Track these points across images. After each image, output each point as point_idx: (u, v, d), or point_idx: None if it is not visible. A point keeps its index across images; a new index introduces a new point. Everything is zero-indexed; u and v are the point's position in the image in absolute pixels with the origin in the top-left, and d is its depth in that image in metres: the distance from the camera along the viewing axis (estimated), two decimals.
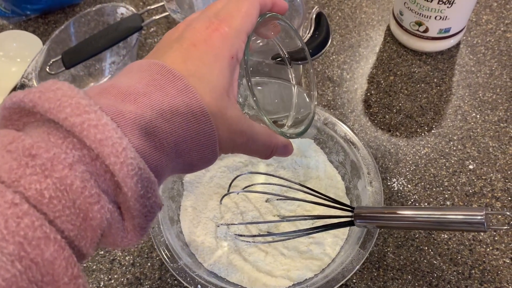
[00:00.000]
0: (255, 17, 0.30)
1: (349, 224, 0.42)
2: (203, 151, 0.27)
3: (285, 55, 0.39)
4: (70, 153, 0.22)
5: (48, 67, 0.56)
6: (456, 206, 0.51)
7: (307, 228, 0.44)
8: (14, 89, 0.60)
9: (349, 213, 0.42)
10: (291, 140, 0.35)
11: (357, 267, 0.41)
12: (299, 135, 0.35)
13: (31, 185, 0.21)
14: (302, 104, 0.39)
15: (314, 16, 0.51)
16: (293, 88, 0.40)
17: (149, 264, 0.50)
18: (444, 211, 0.37)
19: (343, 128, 0.49)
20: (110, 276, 0.49)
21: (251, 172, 0.51)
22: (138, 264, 0.50)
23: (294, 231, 0.44)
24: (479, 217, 0.35)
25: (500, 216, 0.50)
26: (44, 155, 0.22)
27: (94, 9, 0.61)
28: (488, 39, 0.64)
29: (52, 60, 0.56)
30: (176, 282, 0.48)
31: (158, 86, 0.26)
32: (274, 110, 0.39)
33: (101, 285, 0.49)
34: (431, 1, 0.55)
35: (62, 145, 0.23)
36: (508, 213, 0.36)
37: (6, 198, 0.20)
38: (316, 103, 0.39)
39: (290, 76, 0.40)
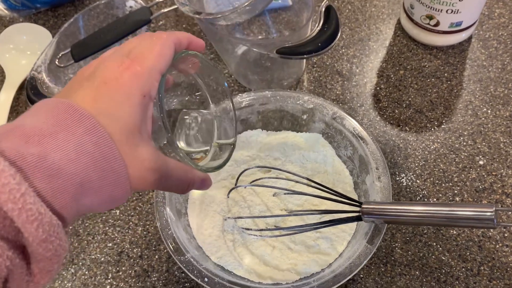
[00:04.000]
0: (169, 56, 0.31)
1: (357, 219, 0.41)
2: (113, 190, 0.27)
3: (205, 90, 0.40)
4: None
5: (57, 60, 0.56)
6: (466, 202, 0.50)
7: (314, 223, 0.44)
8: (24, 81, 0.61)
9: (357, 208, 0.41)
10: None
11: (365, 262, 0.41)
12: (217, 169, 0.35)
13: None
14: (224, 135, 0.40)
15: (323, 9, 0.51)
16: (214, 120, 0.40)
17: (156, 256, 0.50)
18: (453, 207, 0.37)
19: (351, 122, 0.49)
20: (118, 268, 0.50)
21: (259, 166, 0.50)
22: (146, 257, 0.50)
23: (301, 226, 0.44)
24: (489, 214, 0.35)
25: (510, 213, 0.49)
26: None
27: (103, 2, 0.61)
28: (500, 33, 0.63)
29: (62, 53, 0.56)
30: (183, 274, 0.49)
31: (65, 125, 0.26)
32: (195, 142, 0.40)
33: (109, 277, 0.49)
34: None
35: None
36: None
37: None
38: (236, 138, 0.40)
39: (212, 109, 0.41)
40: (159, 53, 0.30)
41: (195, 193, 0.49)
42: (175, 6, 0.55)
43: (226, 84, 0.39)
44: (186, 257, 0.42)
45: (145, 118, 0.29)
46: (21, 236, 0.23)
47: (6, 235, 0.23)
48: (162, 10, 0.56)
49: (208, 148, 0.39)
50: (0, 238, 0.23)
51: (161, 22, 0.69)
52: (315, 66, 0.63)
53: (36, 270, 0.24)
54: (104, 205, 0.28)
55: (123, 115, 0.28)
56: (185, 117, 0.41)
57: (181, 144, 0.38)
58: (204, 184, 0.35)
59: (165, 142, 0.32)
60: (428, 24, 0.59)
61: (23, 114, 0.27)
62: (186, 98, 0.45)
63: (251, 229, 0.46)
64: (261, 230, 0.47)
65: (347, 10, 0.67)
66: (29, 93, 0.52)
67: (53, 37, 0.61)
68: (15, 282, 0.24)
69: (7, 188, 0.22)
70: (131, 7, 0.61)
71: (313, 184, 0.44)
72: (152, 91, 0.29)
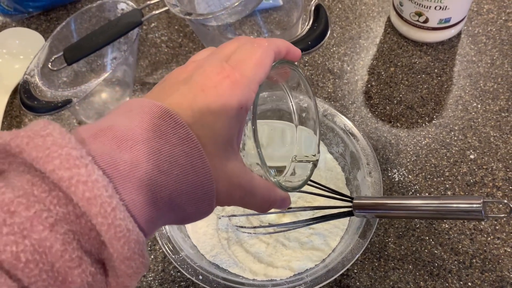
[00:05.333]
0: (269, 66, 0.29)
1: (349, 214, 0.42)
2: (199, 205, 0.26)
3: (291, 102, 0.38)
4: (54, 210, 0.21)
5: (50, 64, 0.56)
6: (455, 195, 0.51)
7: (307, 219, 0.44)
8: (17, 86, 0.61)
9: (349, 204, 0.42)
10: None
11: (357, 256, 0.41)
12: (298, 188, 0.34)
13: (6, 246, 0.19)
14: (305, 150, 0.38)
15: (313, 8, 0.52)
16: (296, 134, 0.38)
17: (152, 256, 0.50)
18: (442, 200, 0.37)
19: (342, 119, 0.49)
20: None
21: None
22: None
23: (295, 222, 0.45)
24: (477, 205, 0.35)
25: (501, 205, 0.50)
26: (23, 213, 0.20)
27: (95, 5, 0.62)
28: (489, 29, 0.63)
29: (54, 56, 0.57)
30: (179, 273, 0.49)
31: (159, 132, 0.24)
32: (275, 156, 0.38)
33: None
34: None
35: (46, 199, 0.21)
36: (506, 201, 0.36)
37: None
38: (319, 155, 0.38)
39: (294, 120, 0.39)
40: (260, 62, 0.28)
41: None
42: (166, 8, 0.55)
43: (314, 97, 0.37)
44: (180, 255, 0.42)
45: (238, 131, 0.28)
46: (104, 249, 0.22)
47: (89, 248, 0.22)
48: (154, 12, 0.57)
49: (286, 163, 0.37)
50: (85, 251, 0.22)
51: (153, 24, 0.69)
52: (306, 64, 0.63)
53: (113, 283, 0.23)
54: (188, 220, 0.27)
55: (218, 127, 0.26)
56: (268, 128, 0.39)
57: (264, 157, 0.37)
58: (284, 203, 0.33)
59: (252, 155, 0.30)
60: (418, 21, 0.60)
61: (113, 110, 0.26)
62: (270, 107, 0.44)
63: (245, 227, 0.47)
64: (255, 227, 0.47)
65: (337, 9, 0.68)
66: (23, 97, 0.52)
67: (45, 41, 0.61)
68: None
69: (99, 201, 0.21)
70: (122, 9, 0.61)
71: None
72: (249, 102, 0.27)
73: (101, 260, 0.23)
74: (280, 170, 0.36)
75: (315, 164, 0.37)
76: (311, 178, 0.44)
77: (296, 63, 0.34)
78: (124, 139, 0.23)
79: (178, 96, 0.26)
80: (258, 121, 0.29)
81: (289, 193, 0.43)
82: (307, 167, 0.37)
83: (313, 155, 0.37)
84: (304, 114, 0.39)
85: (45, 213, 0.21)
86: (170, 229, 0.44)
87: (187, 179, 0.25)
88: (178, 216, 0.26)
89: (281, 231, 0.46)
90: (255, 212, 0.48)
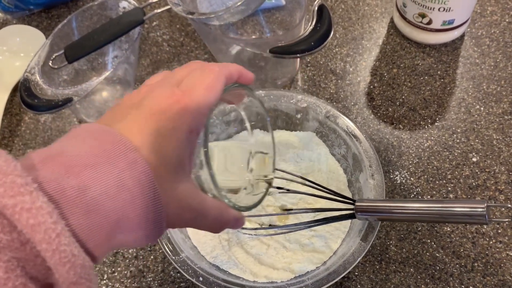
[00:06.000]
0: (219, 90, 0.30)
1: (351, 217, 0.42)
2: (149, 228, 0.26)
3: (247, 123, 0.39)
4: None
5: (51, 62, 0.56)
6: (458, 198, 0.51)
7: (308, 221, 0.44)
8: (18, 83, 0.60)
9: (351, 206, 0.42)
10: None
11: (359, 259, 0.41)
12: (251, 208, 0.35)
13: None
14: (261, 170, 0.39)
15: (316, 8, 0.51)
16: (251, 154, 0.39)
17: (152, 257, 0.50)
18: (445, 204, 0.37)
19: (345, 121, 0.49)
20: (113, 269, 0.50)
21: None
22: (141, 257, 0.50)
23: (296, 224, 0.44)
24: (480, 210, 0.35)
25: (503, 209, 0.50)
26: None
27: (96, 3, 0.61)
28: (493, 31, 0.63)
29: (55, 54, 0.56)
30: (178, 274, 0.49)
31: (107, 157, 0.25)
32: (230, 176, 0.38)
33: (104, 278, 0.49)
34: None
35: None
36: (510, 205, 0.36)
37: None
38: (274, 174, 0.38)
39: (250, 140, 0.40)
40: (211, 86, 0.29)
41: None
42: (168, 7, 0.55)
43: (268, 118, 0.38)
44: (181, 257, 0.42)
45: (189, 154, 0.28)
46: (51, 274, 0.23)
47: (35, 274, 0.22)
48: (155, 11, 0.56)
49: (241, 182, 0.37)
50: (30, 277, 0.22)
51: (155, 23, 0.69)
52: (309, 65, 0.63)
53: None
54: (137, 243, 0.27)
55: (168, 151, 0.27)
56: (223, 148, 0.39)
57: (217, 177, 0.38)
58: (237, 223, 0.33)
59: (204, 177, 0.30)
60: (421, 22, 0.59)
61: (63, 137, 0.26)
62: (225, 128, 0.44)
63: (246, 228, 0.46)
64: (256, 229, 0.47)
65: (340, 9, 0.68)
66: (23, 95, 0.52)
67: (46, 38, 0.61)
68: None
69: (43, 227, 0.21)
70: (124, 8, 0.61)
71: (307, 182, 0.44)
72: (199, 126, 0.28)
73: (50, 284, 0.23)
74: (235, 190, 0.37)
75: (270, 183, 0.38)
76: (313, 180, 0.43)
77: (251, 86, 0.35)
78: (73, 165, 0.24)
79: (129, 121, 0.27)
80: (213, 142, 0.29)
81: (283, 193, 0.43)
82: (262, 186, 0.38)
83: (268, 175, 0.38)
84: (261, 136, 0.40)
85: None
86: (170, 230, 0.44)
87: (135, 203, 0.25)
88: (128, 239, 0.26)
89: (282, 233, 0.46)
90: (255, 213, 0.48)
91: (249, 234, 0.47)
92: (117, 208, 0.24)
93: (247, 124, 0.39)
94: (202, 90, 0.28)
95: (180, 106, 0.27)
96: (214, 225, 0.31)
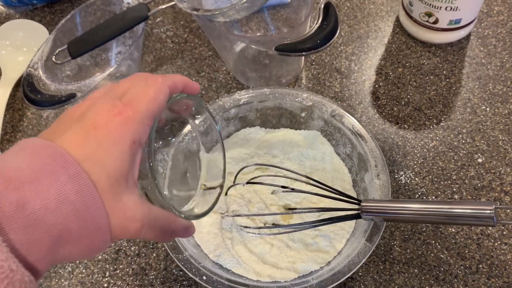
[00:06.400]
0: (163, 101, 0.30)
1: (356, 217, 0.41)
2: (92, 240, 0.27)
3: (197, 133, 0.40)
4: None
5: (54, 57, 0.55)
6: (465, 200, 0.50)
7: (313, 221, 0.43)
8: (21, 78, 0.60)
9: (356, 206, 0.41)
10: None
11: (364, 260, 0.41)
12: (200, 217, 0.34)
13: None
14: (212, 177, 0.39)
15: (322, 6, 0.51)
16: (201, 162, 0.40)
17: (154, 254, 0.50)
18: (452, 205, 0.37)
19: (350, 120, 0.48)
20: (115, 266, 0.49)
21: (257, 164, 0.50)
22: (143, 255, 0.50)
23: (300, 224, 0.44)
24: (488, 212, 0.35)
25: (509, 211, 0.49)
26: None
27: None
28: (499, 31, 0.63)
29: (58, 49, 0.56)
30: (181, 272, 0.48)
31: (48, 171, 0.25)
32: (181, 184, 0.38)
33: (106, 275, 0.49)
34: None
35: None
36: None
37: None
38: (224, 180, 0.39)
39: (200, 148, 0.40)
40: (153, 97, 0.29)
41: None
42: (173, 3, 0.54)
43: (218, 127, 0.39)
44: (184, 255, 0.42)
45: (132, 165, 0.28)
46: None
47: None
48: (160, 7, 0.56)
49: (193, 191, 0.38)
50: None
51: (159, 19, 0.68)
52: (313, 63, 0.62)
53: None
54: (82, 255, 0.27)
55: (110, 163, 0.27)
56: (171, 157, 0.39)
57: (166, 187, 0.37)
58: (187, 232, 0.34)
59: (150, 187, 0.31)
60: (427, 21, 0.59)
61: (7, 151, 0.27)
62: (173, 138, 0.45)
63: (249, 227, 0.46)
64: (260, 228, 0.46)
65: (345, 7, 0.67)
66: (26, 90, 0.51)
67: (49, 33, 0.60)
68: None
69: None
70: (128, 3, 0.60)
71: (311, 181, 0.43)
72: (142, 137, 0.28)
73: None
74: (186, 198, 0.37)
75: (221, 188, 0.38)
76: (318, 179, 0.43)
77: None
78: (12, 180, 0.24)
79: (70, 134, 0.27)
80: (165, 150, 0.30)
81: (287, 192, 0.43)
82: (214, 192, 0.38)
83: (220, 181, 0.39)
84: (209, 140, 0.40)
85: None
86: None
87: (77, 215, 0.25)
88: (72, 252, 0.26)
89: (286, 232, 0.45)
90: (260, 213, 0.48)
91: (252, 233, 0.46)
92: (58, 221, 0.24)
93: (197, 133, 0.40)
94: (145, 101, 0.29)
95: (122, 118, 0.27)
96: (162, 235, 0.31)
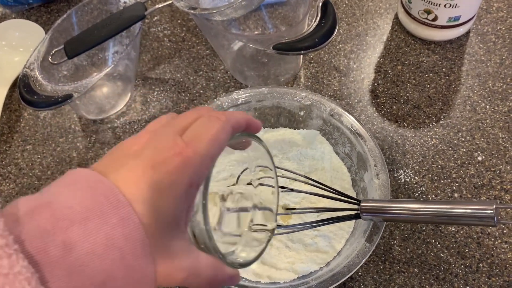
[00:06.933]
0: (225, 142, 0.28)
1: (355, 217, 0.41)
2: None
3: (253, 170, 0.37)
4: None
5: (50, 57, 0.55)
6: (465, 199, 0.50)
7: (312, 221, 0.43)
8: (17, 78, 0.60)
9: (355, 206, 0.41)
10: None
11: (363, 261, 0.40)
12: (249, 264, 0.33)
13: None
14: (262, 220, 0.37)
15: (320, 4, 0.50)
16: (252, 203, 0.37)
17: None
18: (453, 205, 0.36)
19: (349, 119, 0.48)
20: None
21: (259, 166, 0.50)
22: None
23: (300, 224, 0.44)
24: (489, 211, 0.34)
25: (509, 209, 0.49)
26: None
27: None
28: (499, 27, 0.62)
29: (55, 49, 0.55)
30: None
31: (99, 211, 0.23)
32: (228, 225, 0.36)
33: None
34: None
35: None
36: None
37: None
38: (276, 225, 0.36)
39: (252, 190, 0.37)
40: (215, 138, 0.27)
41: None
42: (170, 1, 0.54)
43: (275, 170, 0.36)
44: None
45: (186, 210, 0.27)
46: None
47: None
48: (157, 6, 0.55)
49: (240, 235, 0.35)
50: None
51: (156, 18, 0.68)
52: (312, 61, 0.62)
53: None
54: None
55: (164, 206, 0.25)
56: (222, 197, 0.37)
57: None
58: (232, 281, 0.31)
59: (199, 231, 0.28)
60: (426, 18, 0.59)
61: (58, 181, 0.25)
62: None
63: None
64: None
65: (344, 5, 0.67)
66: (22, 91, 0.51)
67: (46, 33, 0.60)
68: None
69: None
70: (125, 2, 0.60)
71: (310, 181, 0.43)
72: (200, 180, 0.27)
73: None
74: (232, 243, 0.35)
75: (271, 234, 0.36)
76: (317, 179, 0.43)
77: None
78: (61, 218, 0.23)
79: (126, 171, 0.25)
80: (212, 191, 0.28)
81: (286, 192, 0.41)
82: (263, 238, 0.36)
83: (269, 224, 0.36)
84: (264, 181, 0.38)
85: None
86: None
87: (123, 262, 0.24)
88: None
89: (285, 233, 0.45)
90: None
91: None
92: (104, 268, 0.23)
93: (254, 172, 0.37)
94: (207, 141, 0.27)
95: (182, 158, 0.26)
96: (207, 284, 0.29)
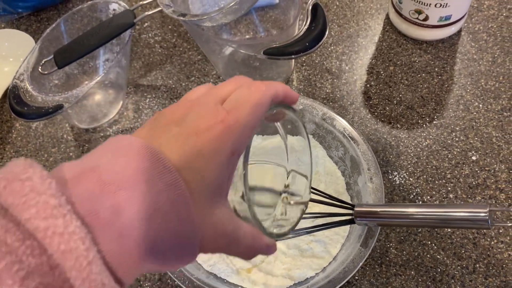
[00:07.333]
0: (264, 111, 0.28)
1: (350, 222, 0.41)
2: (181, 253, 0.25)
3: (286, 142, 0.37)
4: (26, 261, 0.20)
5: (40, 67, 0.55)
6: (459, 203, 0.50)
7: (307, 227, 0.43)
8: (7, 90, 0.59)
9: (350, 211, 0.41)
10: None
11: (358, 266, 0.40)
12: (285, 234, 0.33)
13: None
14: (296, 191, 0.37)
15: (310, 7, 0.50)
16: (286, 174, 0.37)
17: None
18: (447, 209, 0.36)
19: (342, 123, 0.48)
20: None
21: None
22: None
23: (295, 230, 0.43)
24: (483, 214, 0.34)
25: (505, 211, 0.49)
26: None
27: (86, 5, 0.60)
28: (490, 25, 0.62)
29: (45, 59, 0.55)
30: (176, 282, 0.48)
31: (145, 177, 0.23)
32: (264, 198, 0.37)
33: None
34: None
35: (19, 249, 0.20)
36: None
37: None
38: (309, 197, 0.37)
39: (287, 160, 0.38)
40: (256, 107, 0.27)
41: None
42: (159, 9, 0.54)
43: (309, 142, 0.36)
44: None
45: (228, 178, 0.27)
46: None
47: None
48: (146, 13, 0.55)
49: (276, 205, 0.36)
50: None
51: (146, 24, 0.68)
52: (304, 64, 0.62)
53: None
54: (167, 268, 0.26)
55: (208, 173, 0.25)
56: (259, 168, 0.38)
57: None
58: (269, 250, 0.32)
59: (239, 200, 0.29)
60: (417, 18, 0.58)
61: (100, 147, 0.25)
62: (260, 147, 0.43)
63: None
64: None
65: (335, 6, 0.66)
66: (12, 102, 0.51)
67: (36, 42, 0.60)
68: None
69: (74, 254, 0.20)
70: (114, 10, 0.59)
71: None
72: (241, 148, 0.27)
73: None
74: (269, 214, 0.35)
75: (306, 206, 0.36)
76: (311, 184, 0.42)
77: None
78: (108, 183, 0.22)
79: (170, 137, 0.26)
80: (249, 162, 0.28)
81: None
82: (297, 208, 0.36)
83: (303, 197, 0.37)
84: (297, 155, 0.38)
85: (16, 265, 0.20)
86: None
87: (170, 227, 0.24)
88: (158, 264, 0.25)
89: (281, 239, 0.45)
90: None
91: None
92: (151, 232, 0.23)
93: (286, 144, 0.38)
94: (248, 111, 0.27)
95: (224, 126, 0.26)
96: (247, 252, 0.30)
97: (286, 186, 0.37)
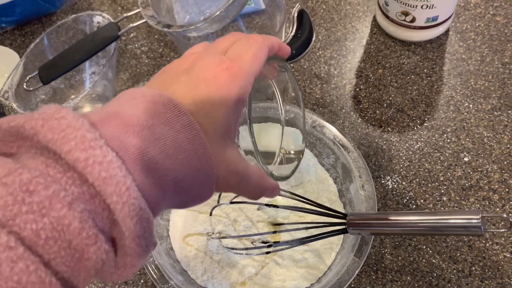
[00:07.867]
0: (263, 60, 0.30)
1: (343, 231, 0.40)
2: (201, 189, 0.27)
3: (279, 97, 0.40)
4: (69, 189, 0.21)
5: (25, 84, 0.54)
6: (452, 209, 0.49)
7: (301, 238, 0.42)
8: None
9: (343, 220, 0.40)
10: None
11: (353, 276, 0.40)
12: (286, 178, 0.36)
13: (26, 224, 0.20)
14: (292, 143, 0.40)
15: (296, 14, 0.50)
16: (282, 127, 0.40)
17: (142, 281, 0.49)
18: (439, 216, 0.36)
19: (332, 130, 0.47)
20: None
21: None
22: (131, 282, 0.49)
23: (288, 242, 0.43)
24: (475, 221, 0.34)
25: (498, 209, 0.49)
26: (42, 192, 0.21)
27: (70, 19, 0.59)
28: (477, 24, 0.62)
29: (29, 76, 0.54)
30: None
31: (163, 119, 0.25)
32: (265, 148, 0.39)
33: None
34: None
35: (61, 180, 0.22)
36: (505, 216, 0.34)
37: (1, 241, 0.19)
38: (305, 145, 0.40)
39: (281, 115, 0.41)
40: (256, 56, 0.30)
41: (176, 215, 0.48)
42: (144, 20, 0.53)
43: (300, 93, 0.39)
44: (170, 284, 0.41)
45: (234, 122, 0.29)
46: (114, 229, 0.23)
47: (103, 227, 0.22)
48: (131, 25, 0.54)
49: (275, 155, 0.39)
50: (99, 230, 0.22)
51: (132, 34, 0.67)
52: (292, 70, 0.61)
53: (121, 263, 0.24)
54: (189, 203, 0.28)
55: (218, 117, 0.27)
56: (258, 124, 0.41)
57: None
58: (274, 192, 0.34)
59: (245, 145, 0.32)
60: (404, 20, 0.58)
61: (115, 99, 0.27)
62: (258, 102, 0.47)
63: (236, 248, 0.45)
64: (247, 248, 0.45)
65: (321, 10, 0.66)
66: None
67: (20, 57, 0.59)
68: (102, 273, 0.23)
69: (114, 180, 0.22)
70: (98, 22, 0.59)
71: (296, 197, 0.43)
72: (246, 94, 0.29)
73: (112, 238, 0.23)
74: (269, 162, 0.38)
75: (301, 154, 0.39)
76: (304, 191, 0.42)
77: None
78: (131, 124, 0.24)
79: (180, 86, 0.28)
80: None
81: (262, 208, 0.44)
82: (294, 158, 0.39)
83: (299, 146, 0.40)
84: (290, 108, 0.41)
85: (62, 192, 0.21)
86: (157, 256, 0.42)
87: (190, 163, 0.26)
88: (181, 199, 0.27)
89: (274, 251, 0.44)
90: (246, 231, 0.47)
91: (239, 254, 0.45)
92: (175, 167, 0.25)
93: (279, 99, 0.41)
94: (249, 59, 0.29)
95: (230, 73, 0.28)
96: (255, 190, 0.32)
97: (283, 139, 0.41)
